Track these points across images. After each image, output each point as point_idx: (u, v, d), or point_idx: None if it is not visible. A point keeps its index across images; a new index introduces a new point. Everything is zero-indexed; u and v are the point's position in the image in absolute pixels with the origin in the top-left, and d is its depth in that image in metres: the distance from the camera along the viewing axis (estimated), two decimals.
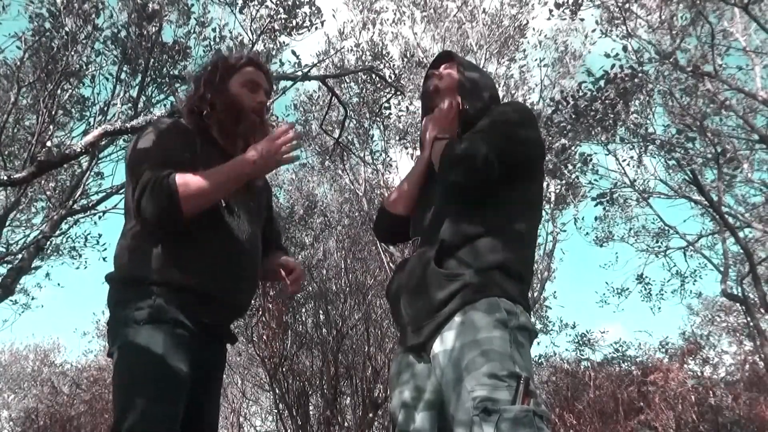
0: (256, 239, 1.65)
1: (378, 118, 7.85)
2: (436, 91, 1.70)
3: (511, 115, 1.56)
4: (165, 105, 6.09)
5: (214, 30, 6.06)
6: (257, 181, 1.72)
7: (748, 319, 8.58)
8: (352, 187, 8.63)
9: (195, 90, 1.68)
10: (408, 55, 8.11)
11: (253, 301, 1.88)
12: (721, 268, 8.63)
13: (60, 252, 8.03)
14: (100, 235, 7.96)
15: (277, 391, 8.55)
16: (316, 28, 6.01)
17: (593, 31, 7.35)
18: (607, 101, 6.25)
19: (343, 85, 7.84)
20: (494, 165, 1.42)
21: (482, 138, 1.46)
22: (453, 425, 1.29)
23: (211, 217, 1.53)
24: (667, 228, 9.15)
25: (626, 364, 8.84)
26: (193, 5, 6.04)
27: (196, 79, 1.73)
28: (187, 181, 1.43)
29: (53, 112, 5.37)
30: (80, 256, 8.14)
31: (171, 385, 1.38)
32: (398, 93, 7.04)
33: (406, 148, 8.16)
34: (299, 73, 5.47)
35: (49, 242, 7.12)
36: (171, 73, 5.93)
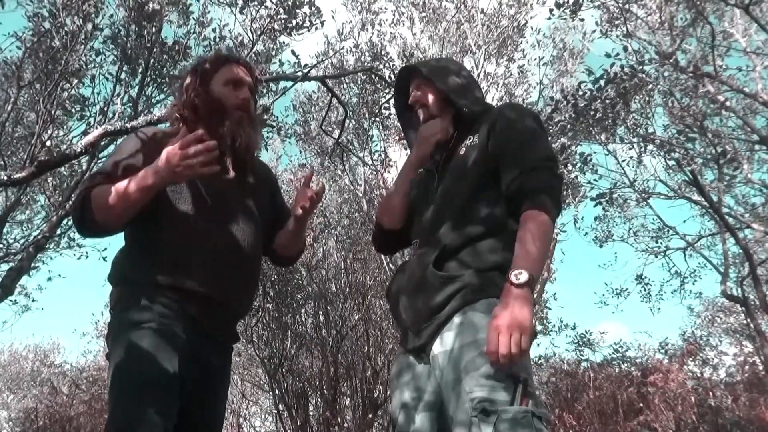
0: (251, 238, 1.63)
1: (377, 119, 7.84)
2: (436, 135, 1.64)
3: (537, 132, 1.53)
4: (165, 105, 6.08)
5: (214, 30, 6.05)
6: (249, 179, 1.69)
7: (748, 320, 8.58)
8: (352, 187, 8.62)
9: (179, 96, 1.68)
10: (407, 55, 8.09)
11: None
12: (721, 269, 8.62)
13: (60, 245, 8.02)
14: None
15: (277, 392, 8.53)
16: (316, 29, 5.99)
17: (593, 32, 7.36)
18: (607, 101, 6.24)
19: (342, 86, 7.83)
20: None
21: (542, 167, 1.46)
22: (452, 426, 1.29)
23: (198, 216, 1.55)
24: (666, 228, 9.15)
25: (626, 364, 8.83)
26: (192, 5, 6.04)
27: (179, 86, 1.73)
28: (101, 193, 1.46)
29: (53, 112, 5.36)
30: (80, 247, 8.14)
31: (159, 388, 1.38)
32: None
33: (406, 148, 8.13)
34: (299, 74, 5.46)
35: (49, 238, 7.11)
36: (171, 73, 5.93)
